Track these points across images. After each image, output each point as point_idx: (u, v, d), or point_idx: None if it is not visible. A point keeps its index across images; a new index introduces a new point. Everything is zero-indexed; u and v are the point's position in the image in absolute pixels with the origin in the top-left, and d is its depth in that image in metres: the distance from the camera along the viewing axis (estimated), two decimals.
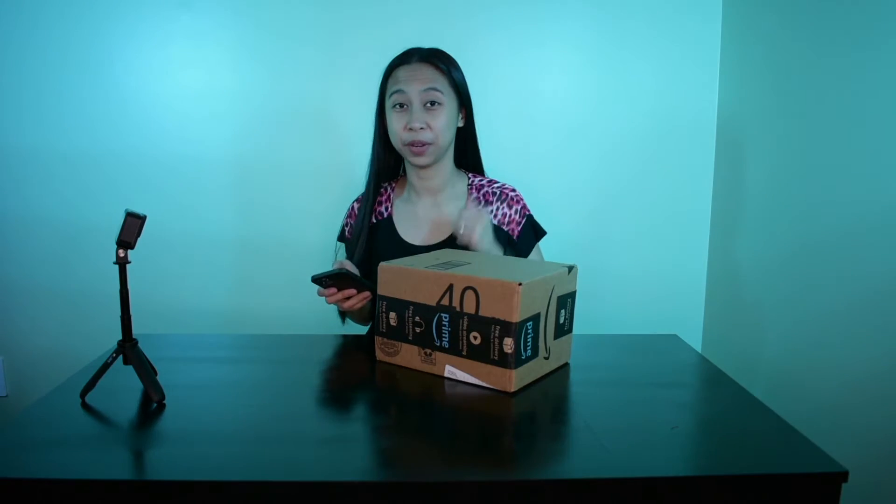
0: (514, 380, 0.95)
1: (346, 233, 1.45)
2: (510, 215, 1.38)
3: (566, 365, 1.09)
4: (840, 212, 1.35)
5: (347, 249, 1.44)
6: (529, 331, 0.96)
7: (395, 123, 1.30)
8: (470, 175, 1.44)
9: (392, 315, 1.06)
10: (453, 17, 1.80)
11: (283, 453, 0.79)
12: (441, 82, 1.30)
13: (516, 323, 0.92)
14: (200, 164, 1.84)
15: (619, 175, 1.91)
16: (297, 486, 0.73)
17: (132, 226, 0.89)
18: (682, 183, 1.91)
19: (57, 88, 1.78)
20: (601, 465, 0.78)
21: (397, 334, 1.06)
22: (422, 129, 1.27)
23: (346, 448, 0.81)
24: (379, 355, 1.09)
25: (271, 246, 1.89)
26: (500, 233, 1.36)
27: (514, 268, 1.05)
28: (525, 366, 0.96)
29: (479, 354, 0.97)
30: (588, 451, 0.82)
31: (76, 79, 1.78)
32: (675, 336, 1.26)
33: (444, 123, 1.29)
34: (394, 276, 1.05)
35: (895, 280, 1.20)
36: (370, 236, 1.39)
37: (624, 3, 1.83)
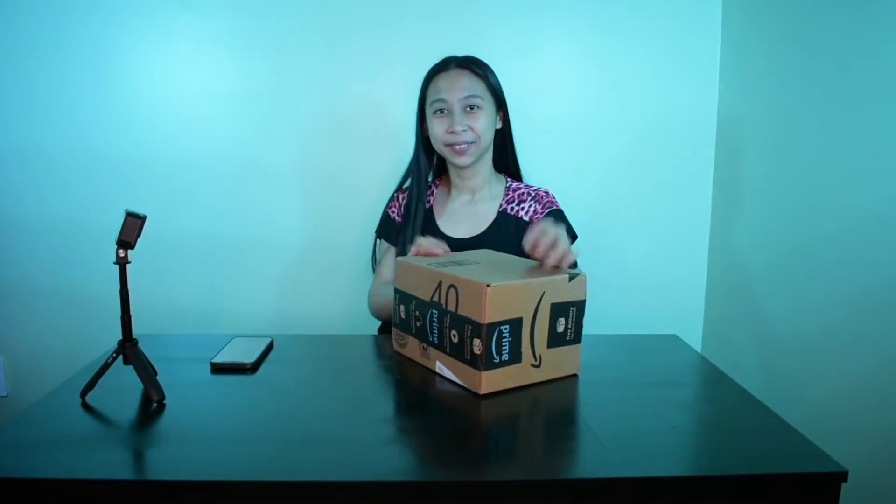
0: (483, 382, 0.93)
1: (397, 216, 1.50)
2: (538, 210, 1.44)
3: (574, 377, 1.03)
4: (840, 212, 1.35)
5: (392, 236, 1.49)
6: (506, 334, 0.93)
7: (437, 128, 1.38)
8: (508, 179, 1.50)
9: (401, 308, 1.10)
10: (453, 17, 1.80)
11: (283, 453, 0.79)
12: (479, 88, 1.37)
13: (486, 324, 0.91)
14: (201, 163, 1.84)
15: (618, 176, 1.91)
16: (297, 486, 0.73)
17: (132, 226, 0.89)
18: (682, 183, 1.91)
19: (57, 88, 1.78)
20: (601, 465, 0.78)
21: (406, 327, 1.10)
22: (464, 131, 1.35)
23: (347, 448, 0.81)
24: (394, 345, 1.14)
25: (272, 246, 1.89)
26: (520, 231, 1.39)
27: (503, 270, 1.03)
28: (500, 370, 0.94)
29: (457, 353, 0.97)
30: (588, 451, 0.82)
31: (76, 78, 1.78)
32: (675, 336, 1.26)
33: (484, 125, 1.37)
34: (403, 271, 1.10)
35: (894, 280, 1.20)
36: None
37: (623, 3, 1.83)
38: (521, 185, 1.50)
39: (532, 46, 1.84)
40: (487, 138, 1.39)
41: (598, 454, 0.80)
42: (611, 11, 1.83)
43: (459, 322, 0.95)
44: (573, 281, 1.00)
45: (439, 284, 0.99)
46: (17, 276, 1.86)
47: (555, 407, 0.97)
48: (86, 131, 1.80)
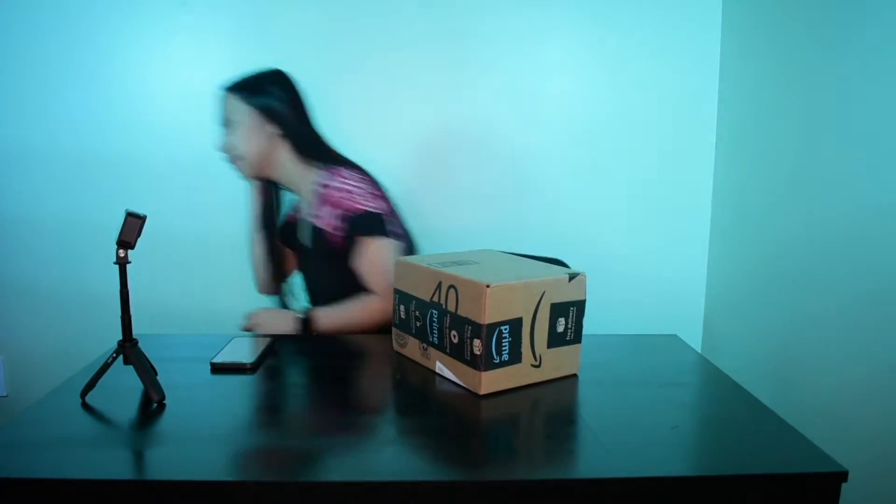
0: (482, 382, 0.93)
1: None
2: (328, 220, 1.34)
3: (574, 377, 1.04)
4: (840, 212, 1.35)
5: None
6: (506, 335, 0.93)
7: None
8: (329, 171, 1.38)
9: (402, 308, 1.10)
10: (453, 13, 1.80)
11: (283, 453, 0.79)
12: (230, 109, 1.42)
13: (485, 325, 0.91)
14: (201, 163, 1.83)
15: (618, 174, 1.91)
16: (298, 486, 0.73)
17: (132, 226, 0.89)
18: (682, 183, 1.91)
19: (58, 87, 1.78)
20: (601, 465, 0.78)
21: (405, 327, 1.10)
22: (221, 150, 1.44)
23: (347, 448, 0.81)
24: (394, 345, 1.14)
25: None
26: (323, 242, 1.36)
27: (503, 270, 1.04)
28: (501, 370, 0.94)
29: (457, 353, 0.97)
30: (588, 451, 0.82)
31: (75, 78, 1.78)
32: (675, 336, 1.26)
33: (234, 141, 1.41)
34: (403, 271, 1.10)
35: (894, 280, 1.20)
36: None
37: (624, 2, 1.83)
38: (323, 182, 1.38)
39: (530, 43, 1.83)
40: (243, 150, 1.41)
41: (598, 454, 0.80)
42: (612, 9, 1.83)
43: (459, 322, 0.95)
44: (573, 281, 1.00)
45: (439, 285, 0.99)
46: (17, 276, 1.86)
47: (555, 407, 0.97)
48: (83, 130, 1.80)
